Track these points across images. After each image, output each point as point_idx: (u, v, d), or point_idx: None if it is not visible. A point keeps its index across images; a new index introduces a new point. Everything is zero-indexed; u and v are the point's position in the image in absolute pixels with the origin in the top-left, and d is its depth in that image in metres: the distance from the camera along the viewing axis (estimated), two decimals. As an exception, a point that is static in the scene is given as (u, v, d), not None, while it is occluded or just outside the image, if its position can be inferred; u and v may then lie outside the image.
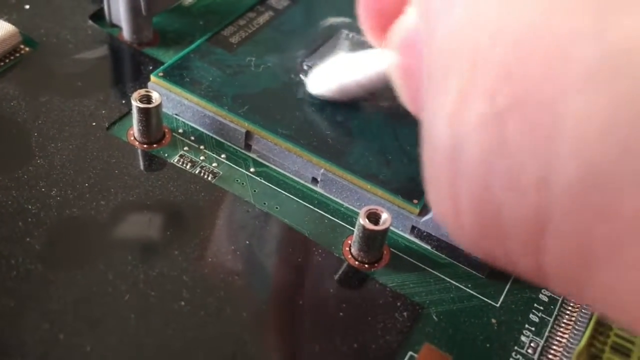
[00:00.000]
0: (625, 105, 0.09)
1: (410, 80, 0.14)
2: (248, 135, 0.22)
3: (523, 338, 0.19)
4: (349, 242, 0.20)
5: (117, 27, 0.26)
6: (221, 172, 0.22)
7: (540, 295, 0.20)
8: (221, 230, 0.20)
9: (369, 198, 0.21)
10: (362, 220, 0.19)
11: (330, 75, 0.23)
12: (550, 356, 0.18)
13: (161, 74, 0.23)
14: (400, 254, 0.20)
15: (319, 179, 0.22)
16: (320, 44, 0.26)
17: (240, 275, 0.19)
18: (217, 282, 0.19)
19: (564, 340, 0.19)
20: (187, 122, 0.23)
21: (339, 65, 0.23)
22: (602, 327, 0.17)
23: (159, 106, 0.21)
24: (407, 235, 0.21)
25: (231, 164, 0.22)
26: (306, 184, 0.22)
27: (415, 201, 0.20)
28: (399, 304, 0.19)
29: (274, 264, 0.20)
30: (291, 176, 0.22)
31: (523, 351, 0.19)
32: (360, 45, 0.26)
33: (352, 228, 0.21)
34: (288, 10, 0.27)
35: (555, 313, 0.20)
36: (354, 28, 0.27)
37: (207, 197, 0.21)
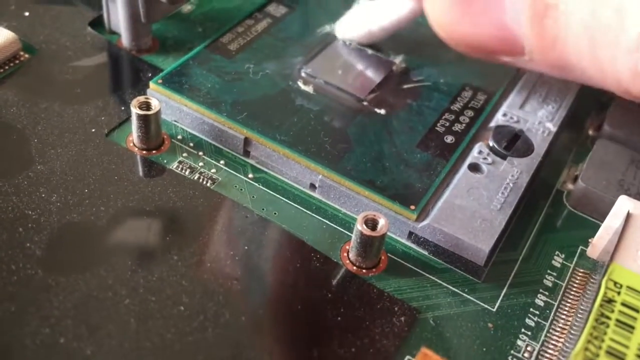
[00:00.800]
0: None
1: None
2: (246, 141, 0.22)
3: (519, 342, 0.19)
4: (347, 247, 0.21)
5: (116, 34, 0.26)
6: (220, 178, 0.22)
7: (537, 300, 0.20)
8: (220, 235, 0.20)
9: (366, 204, 0.21)
10: (360, 226, 0.19)
11: (357, 21, 0.26)
12: (546, 360, 0.19)
13: (160, 80, 0.23)
14: (398, 259, 0.21)
15: (317, 185, 0.22)
16: (317, 51, 0.26)
17: (239, 280, 0.19)
18: (216, 287, 0.19)
19: (559, 345, 0.19)
20: (186, 128, 0.23)
21: (364, 12, 0.26)
22: (597, 332, 0.17)
23: (158, 113, 0.22)
24: (404, 241, 0.21)
25: (230, 170, 0.22)
26: (304, 190, 0.22)
27: (413, 207, 0.21)
28: (396, 308, 0.19)
29: (272, 269, 0.20)
30: (289, 182, 0.22)
31: (519, 355, 0.19)
32: (357, 51, 0.26)
33: (350, 234, 0.21)
34: (286, 18, 0.28)
35: (551, 317, 0.20)
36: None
37: (206, 203, 0.21)
